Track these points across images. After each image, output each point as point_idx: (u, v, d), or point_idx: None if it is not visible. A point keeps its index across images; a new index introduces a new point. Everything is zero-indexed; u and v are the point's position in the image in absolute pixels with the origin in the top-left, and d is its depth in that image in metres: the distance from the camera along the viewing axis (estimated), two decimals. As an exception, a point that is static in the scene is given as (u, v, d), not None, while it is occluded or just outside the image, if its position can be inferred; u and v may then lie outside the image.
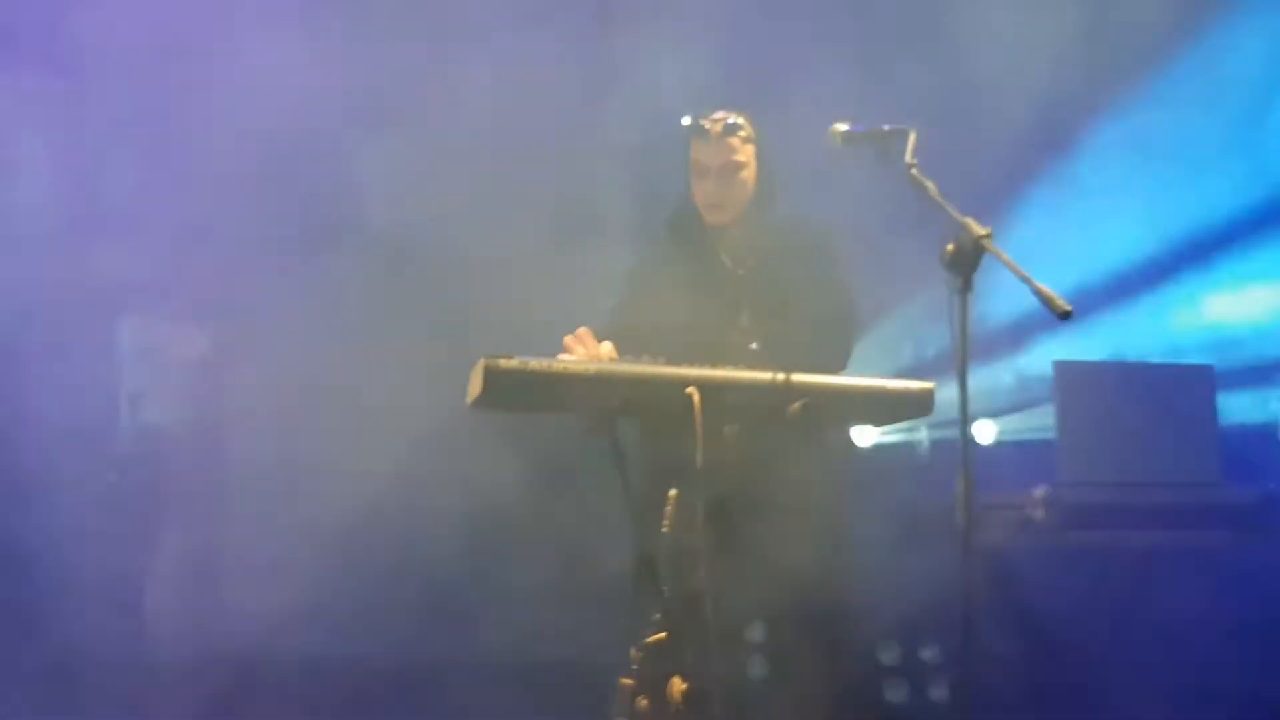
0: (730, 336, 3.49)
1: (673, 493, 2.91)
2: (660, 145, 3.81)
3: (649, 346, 3.04)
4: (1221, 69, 5.41)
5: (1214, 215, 5.67)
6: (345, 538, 4.59)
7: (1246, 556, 4.63)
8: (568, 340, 3.13)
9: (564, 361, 2.91)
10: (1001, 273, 2.74)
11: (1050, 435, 4.95)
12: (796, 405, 2.94)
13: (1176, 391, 4.97)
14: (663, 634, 2.86)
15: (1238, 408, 5.35)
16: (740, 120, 3.58)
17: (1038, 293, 2.66)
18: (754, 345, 3.47)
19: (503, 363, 2.82)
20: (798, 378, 2.97)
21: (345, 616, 4.63)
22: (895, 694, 4.52)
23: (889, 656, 4.51)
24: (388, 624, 4.72)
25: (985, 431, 5.77)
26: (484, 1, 4.74)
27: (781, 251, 3.60)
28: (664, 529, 2.90)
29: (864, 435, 5.49)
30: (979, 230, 2.74)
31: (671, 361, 2.97)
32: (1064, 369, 4.93)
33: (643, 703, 2.85)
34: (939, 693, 4.54)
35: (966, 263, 2.73)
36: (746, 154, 3.60)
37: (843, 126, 3.13)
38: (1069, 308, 2.64)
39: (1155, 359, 5.59)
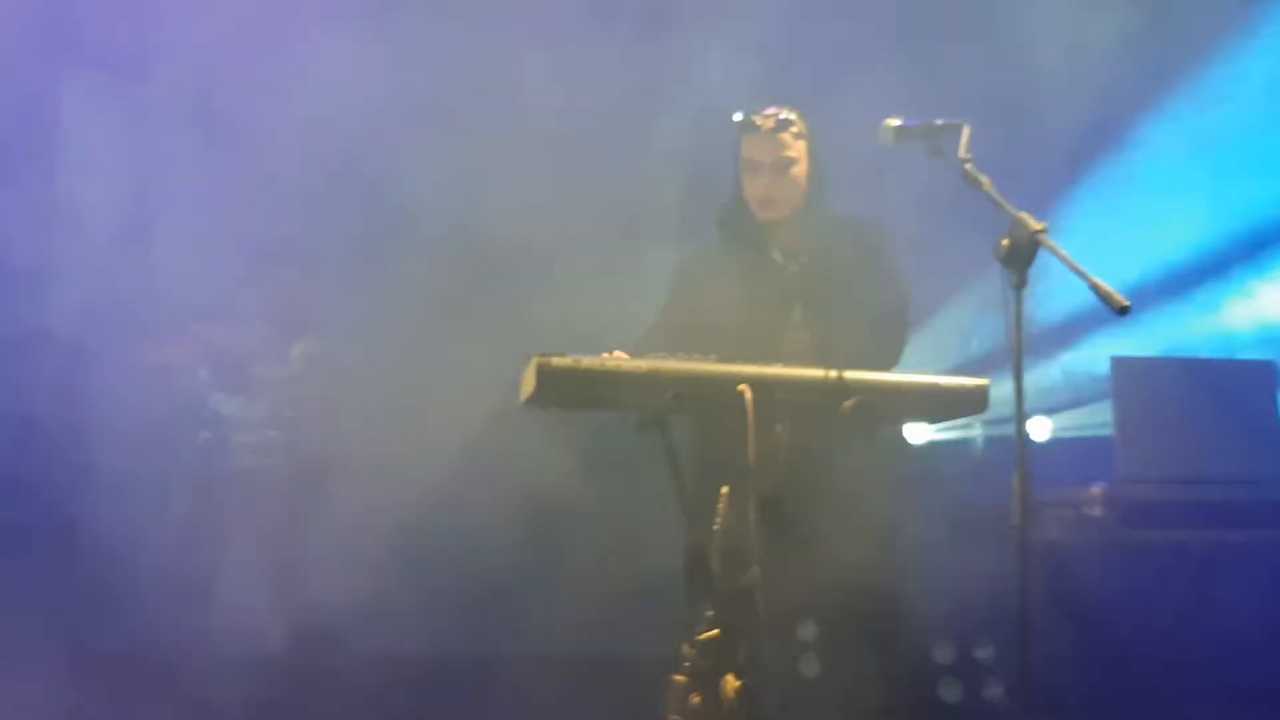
0: (782, 333, 3.49)
1: (725, 490, 2.91)
2: (712, 142, 3.81)
3: (700, 343, 3.04)
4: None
5: (1272, 210, 5.59)
6: (401, 535, 4.62)
7: (1309, 555, 4.56)
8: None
9: (616, 359, 2.92)
10: (1057, 268, 2.71)
11: (1107, 432, 4.90)
12: (849, 402, 2.92)
13: (1237, 387, 4.90)
14: (715, 631, 2.86)
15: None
16: (792, 116, 3.58)
17: (1095, 288, 2.64)
18: (805, 341, 3.46)
19: (555, 361, 2.83)
20: (850, 375, 2.96)
21: (401, 612, 4.67)
22: (949, 693, 4.49)
23: (943, 655, 4.48)
24: (443, 619, 4.75)
25: (1040, 428, 5.71)
26: (541, 3, 4.76)
27: (833, 248, 3.59)
28: (716, 526, 2.90)
29: (918, 432, 5.45)
30: (1034, 225, 2.72)
31: (723, 358, 2.97)
32: (1122, 365, 4.88)
33: (695, 699, 2.85)
34: (993, 692, 4.51)
35: (1022, 258, 2.71)
36: (798, 150, 3.59)
37: (895, 122, 3.11)
38: (1127, 303, 2.61)
39: (1212, 355, 5.52)
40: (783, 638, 3.13)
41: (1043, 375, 5.52)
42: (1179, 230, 5.64)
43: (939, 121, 3.04)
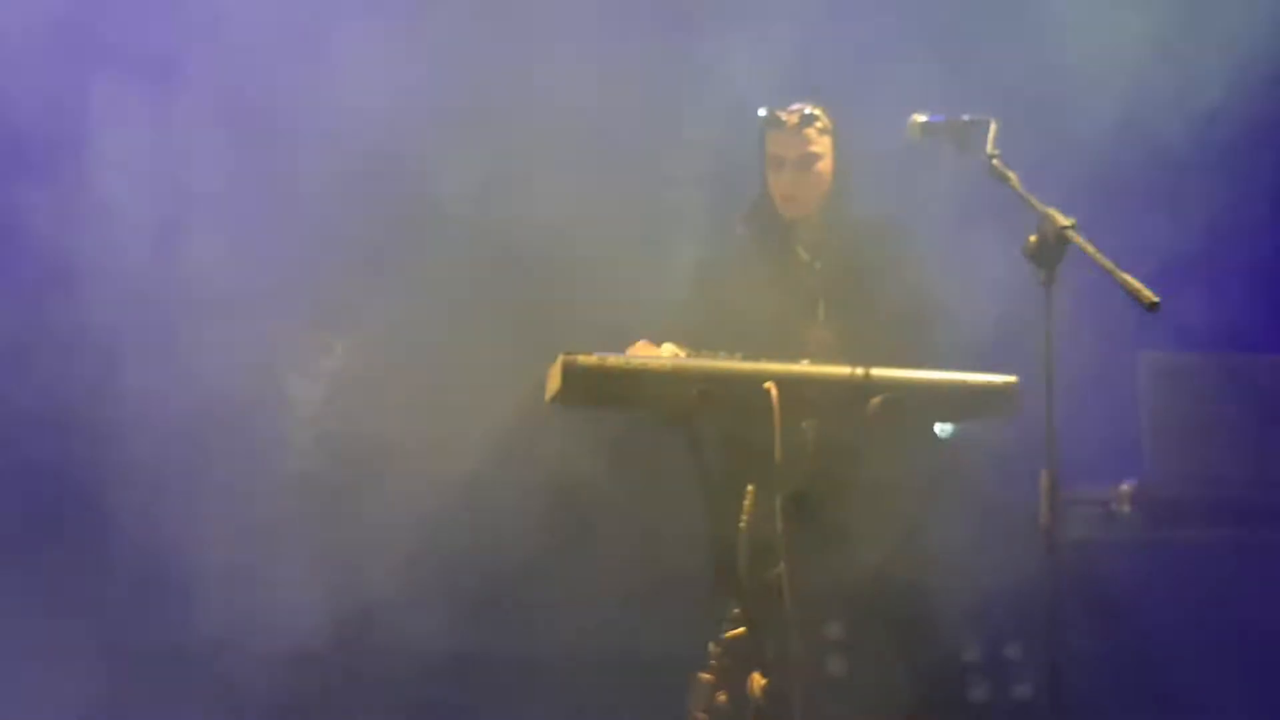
0: (807, 330, 3.48)
1: (751, 488, 2.91)
2: (740, 139, 3.80)
3: (723, 340, 3.04)
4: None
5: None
6: (426, 533, 4.63)
7: (1343, 556, 4.51)
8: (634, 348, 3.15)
9: (641, 358, 2.92)
10: (1086, 265, 2.69)
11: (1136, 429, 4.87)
12: (876, 400, 2.91)
13: (1269, 384, 4.86)
14: (741, 629, 2.85)
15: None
16: (817, 111, 3.56)
17: (1124, 284, 2.62)
18: (831, 339, 3.44)
19: (580, 359, 2.84)
20: (877, 372, 2.95)
21: (423, 610, 4.68)
22: (977, 692, 4.47)
23: (971, 654, 4.45)
24: (469, 616, 4.76)
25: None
26: (570, 1, 4.77)
27: (859, 245, 3.58)
28: (742, 524, 2.89)
29: (944, 430, 5.42)
30: (1062, 221, 2.70)
31: (748, 356, 2.97)
32: (1152, 361, 4.84)
33: (721, 698, 2.85)
34: (1022, 691, 4.48)
35: (1050, 254, 2.70)
36: (823, 145, 3.58)
37: (921, 117, 3.10)
38: (1156, 299, 2.59)
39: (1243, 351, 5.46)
40: (809, 636, 3.12)
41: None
42: (1208, 224, 5.59)
43: (966, 117, 3.03)
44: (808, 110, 3.55)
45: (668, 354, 3.12)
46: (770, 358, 2.97)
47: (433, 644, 4.68)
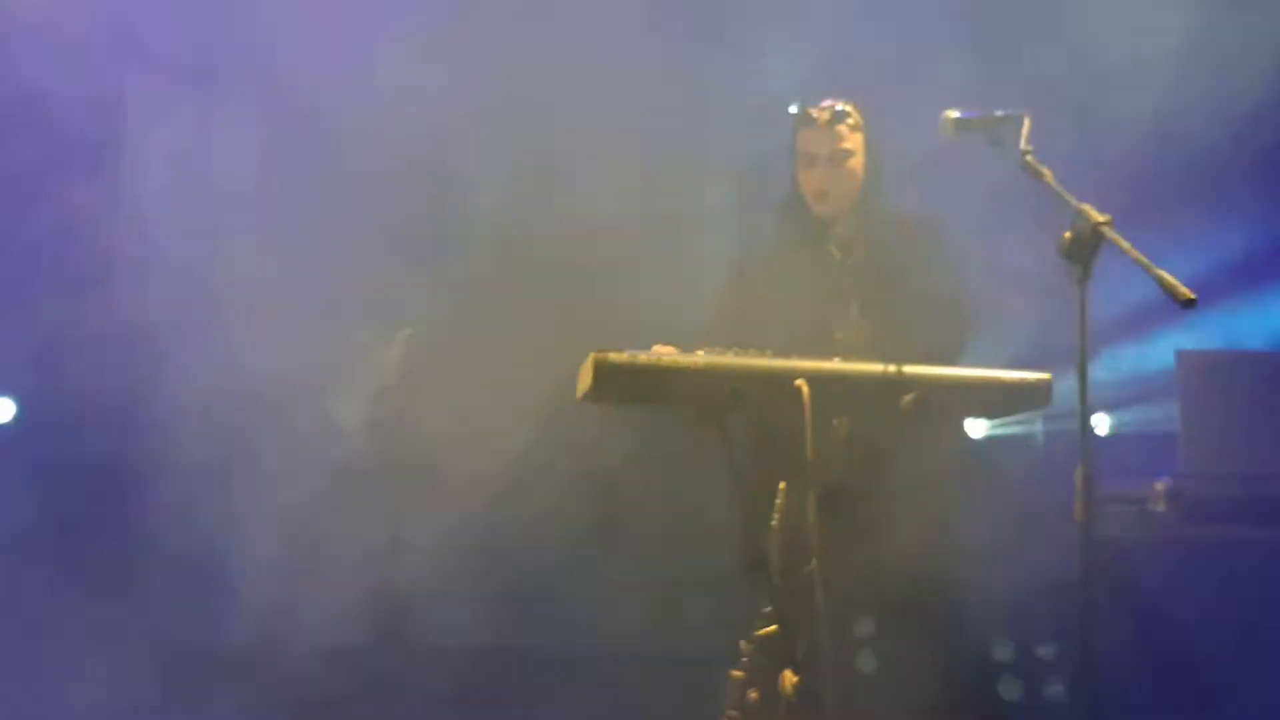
0: (839, 328, 3.46)
1: (782, 485, 2.90)
2: (771, 137, 3.79)
3: (757, 338, 3.03)
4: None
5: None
6: (462, 529, 4.65)
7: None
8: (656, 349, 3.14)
9: (672, 355, 2.92)
10: (1120, 261, 2.67)
11: (1171, 427, 4.83)
12: (909, 397, 2.90)
13: (1305, 381, 4.82)
14: (773, 627, 2.85)
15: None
16: (848, 108, 3.55)
17: (1160, 280, 2.59)
18: (863, 337, 3.43)
19: (612, 357, 2.83)
20: (909, 369, 2.93)
21: (460, 605, 4.70)
22: (1009, 691, 4.45)
23: (1003, 653, 4.43)
24: (502, 613, 4.78)
25: (1101, 423, 5.63)
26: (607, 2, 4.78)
27: (891, 242, 3.56)
28: (774, 522, 2.89)
29: (977, 428, 5.40)
30: (1097, 217, 2.68)
31: (780, 354, 2.96)
32: (1187, 358, 4.81)
33: (753, 695, 2.84)
34: (1054, 691, 4.46)
35: (1085, 250, 2.67)
36: (855, 142, 3.56)
37: (954, 113, 3.08)
38: (1193, 295, 2.56)
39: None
40: (841, 633, 3.11)
41: (1107, 369, 5.44)
42: (1246, 221, 5.54)
43: (999, 112, 3.01)
44: (839, 106, 3.54)
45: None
46: (802, 355, 2.96)
47: (469, 638, 4.71)
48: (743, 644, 2.89)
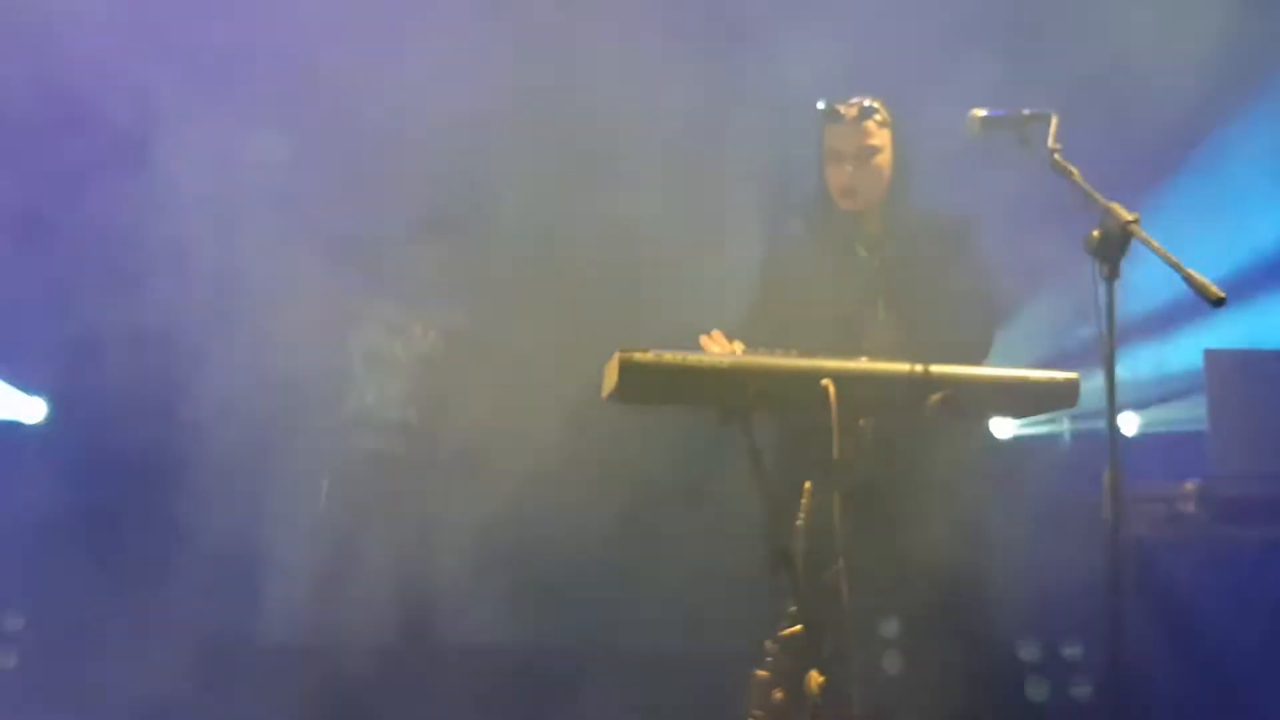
0: (866, 327, 3.45)
1: (808, 485, 2.89)
2: (798, 135, 3.78)
3: (785, 338, 3.02)
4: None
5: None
6: (488, 530, 4.66)
7: None
8: (703, 340, 3.14)
9: (698, 354, 2.91)
10: (1148, 260, 2.66)
11: (1198, 427, 4.80)
12: (936, 397, 2.89)
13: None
14: (799, 626, 2.84)
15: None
16: (876, 104, 3.53)
17: (1189, 279, 2.58)
18: (890, 335, 3.42)
19: (637, 356, 2.83)
20: (936, 369, 2.92)
21: (487, 607, 4.71)
22: (1036, 692, 4.43)
23: (1030, 653, 4.42)
24: (528, 612, 4.79)
25: (1128, 423, 5.60)
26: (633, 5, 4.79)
27: (918, 240, 3.54)
28: (800, 522, 2.88)
29: (1003, 427, 5.38)
30: (1126, 215, 2.67)
31: (806, 353, 2.95)
32: (1215, 358, 4.78)
33: (779, 695, 2.83)
34: (1081, 691, 4.44)
35: (1113, 249, 2.66)
36: (882, 139, 3.54)
37: (981, 112, 3.06)
38: (1222, 294, 2.55)
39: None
40: (866, 633, 3.10)
41: (1135, 368, 5.41)
42: (1273, 220, 5.50)
43: (1026, 111, 2.99)
44: (867, 103, 3.52)
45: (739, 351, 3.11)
46: (828, 354, 2.95)
47: (495, 636, 4.73)
48: (768, 644, 2.88)
